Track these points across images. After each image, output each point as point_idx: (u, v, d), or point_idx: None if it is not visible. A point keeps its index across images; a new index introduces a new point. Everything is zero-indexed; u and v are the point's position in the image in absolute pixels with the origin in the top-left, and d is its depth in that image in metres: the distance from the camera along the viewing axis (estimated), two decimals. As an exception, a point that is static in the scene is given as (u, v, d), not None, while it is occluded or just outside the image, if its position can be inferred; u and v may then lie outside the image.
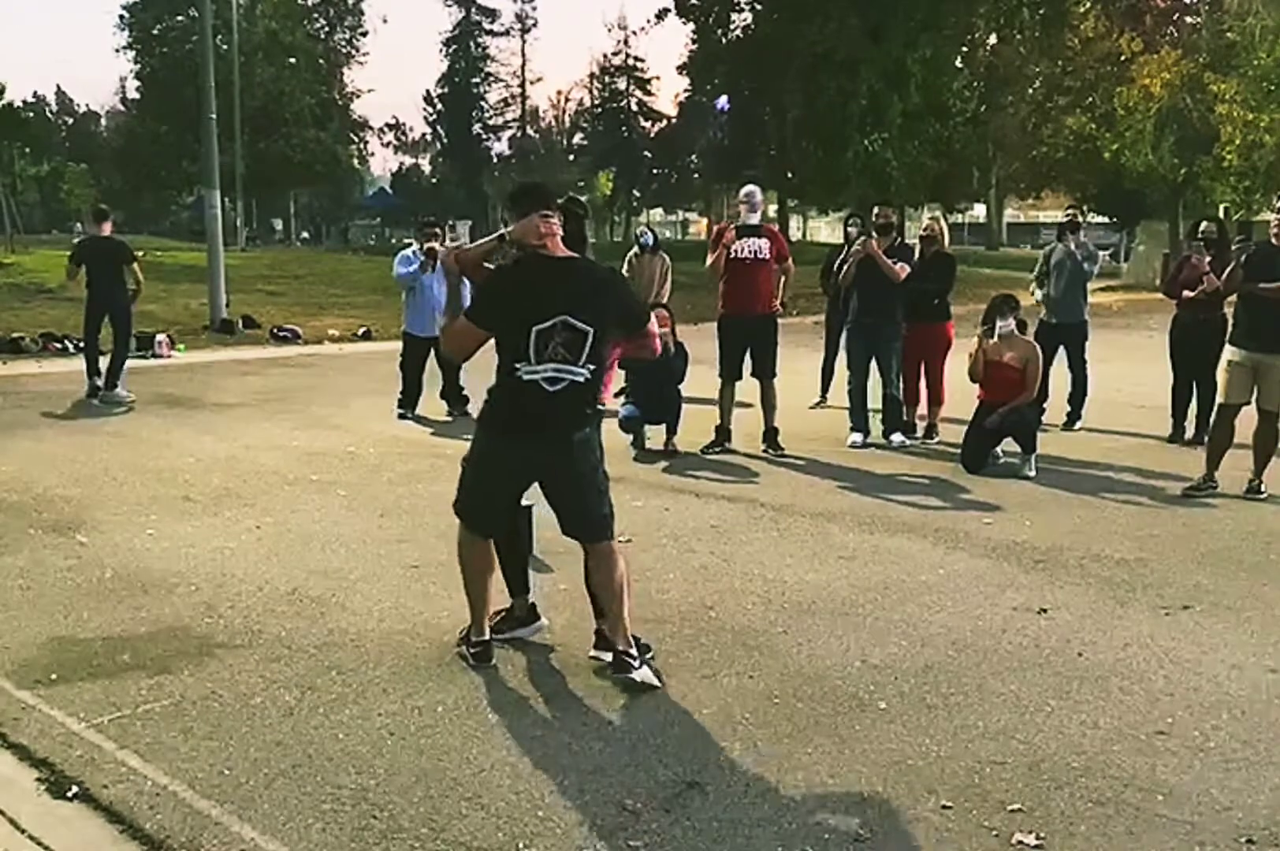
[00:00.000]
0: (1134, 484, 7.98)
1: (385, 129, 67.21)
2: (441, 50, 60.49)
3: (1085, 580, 5.71)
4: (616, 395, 9.36)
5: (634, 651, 4.32)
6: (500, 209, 55.30)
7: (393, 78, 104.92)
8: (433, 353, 10.70)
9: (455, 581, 4.67)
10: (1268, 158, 30.43)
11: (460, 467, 4.51)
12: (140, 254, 12.11)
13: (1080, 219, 10.91)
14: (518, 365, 4.17)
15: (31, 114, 51.63)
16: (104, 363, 11.64)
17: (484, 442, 4.43)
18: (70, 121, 77.75)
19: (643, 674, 4.29)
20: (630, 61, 58.72)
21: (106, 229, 11.91)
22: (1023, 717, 4.07)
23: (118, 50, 50.12)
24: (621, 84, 59.24)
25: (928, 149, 36.32)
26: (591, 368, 4.23)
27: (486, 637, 4.57)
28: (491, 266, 4.42)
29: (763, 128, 41.28)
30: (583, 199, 4.93)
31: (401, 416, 10.56)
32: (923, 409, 9.81)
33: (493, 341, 4.29)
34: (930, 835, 3.28)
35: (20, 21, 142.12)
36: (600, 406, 4.51)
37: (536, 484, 4.45)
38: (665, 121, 58.13)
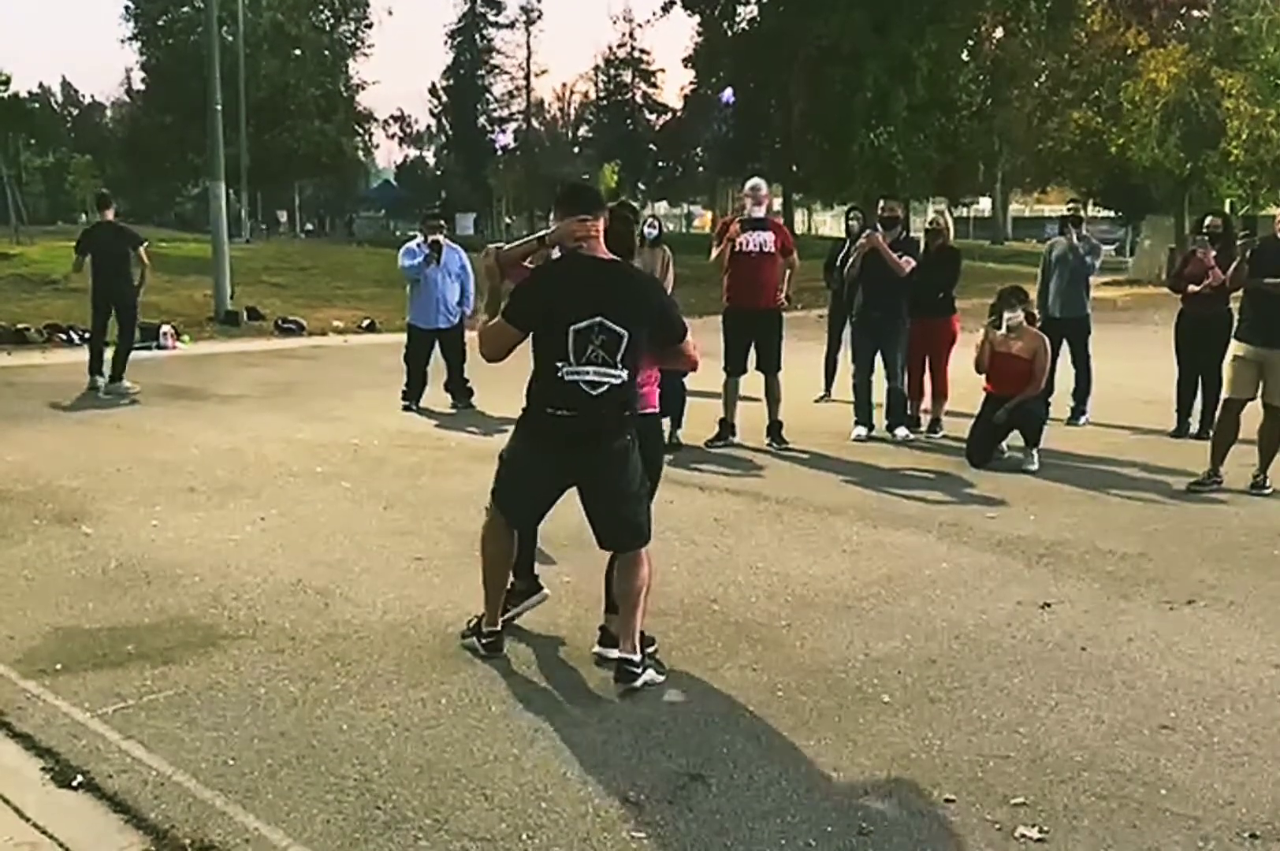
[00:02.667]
0: (1138, 479, 7.98)
1: (390, 121, 67.24)
2: (446, 42, 60.44)
3: (1089, 574, 5.70)
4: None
5: (637, 658, 4.26)
6: (504, 201, 55.33)
7: (398, 70, 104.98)
8: (438, 345, 10.71)
9: (459, 573, 4.68)
10: (1274, 152, 30.36)
11: (498, 459, 4.48)
12: (145, 245, 12.05)
13: (1082, 213, 10.89)
14: (559, 364, 4.13)
15: (37, 105, 51.58)
16: (108, 354, 11.65)
17: (520, 448, 4.38)
18: (75, 112, 77.66)
19: (646, 678, 4.26)
20: (635, 54, 58.66)
21: (109, 214, 11.84)
22: (1026, 711, 4.07)
23: (123, 41, 49.91)
24: (626, 77, 59.17)
25: (933, 143, 36.25)
26: (627, 371, 4.20)
27: (498, 628, 4.58)
28: (530, 266, 4.41)
29: (768, 121, 41.28)
30: (634, 204, 4.91)
31: (406, 408, 10.57)
32: (927, 403, 9.80)
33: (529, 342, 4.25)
34: (933, 828, 3.29)
35: (26, 12, 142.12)
36: (640, 411, 4.46)
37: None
38: (670, 114, 58.06)
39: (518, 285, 4.31)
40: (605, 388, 4.15)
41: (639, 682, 4.23)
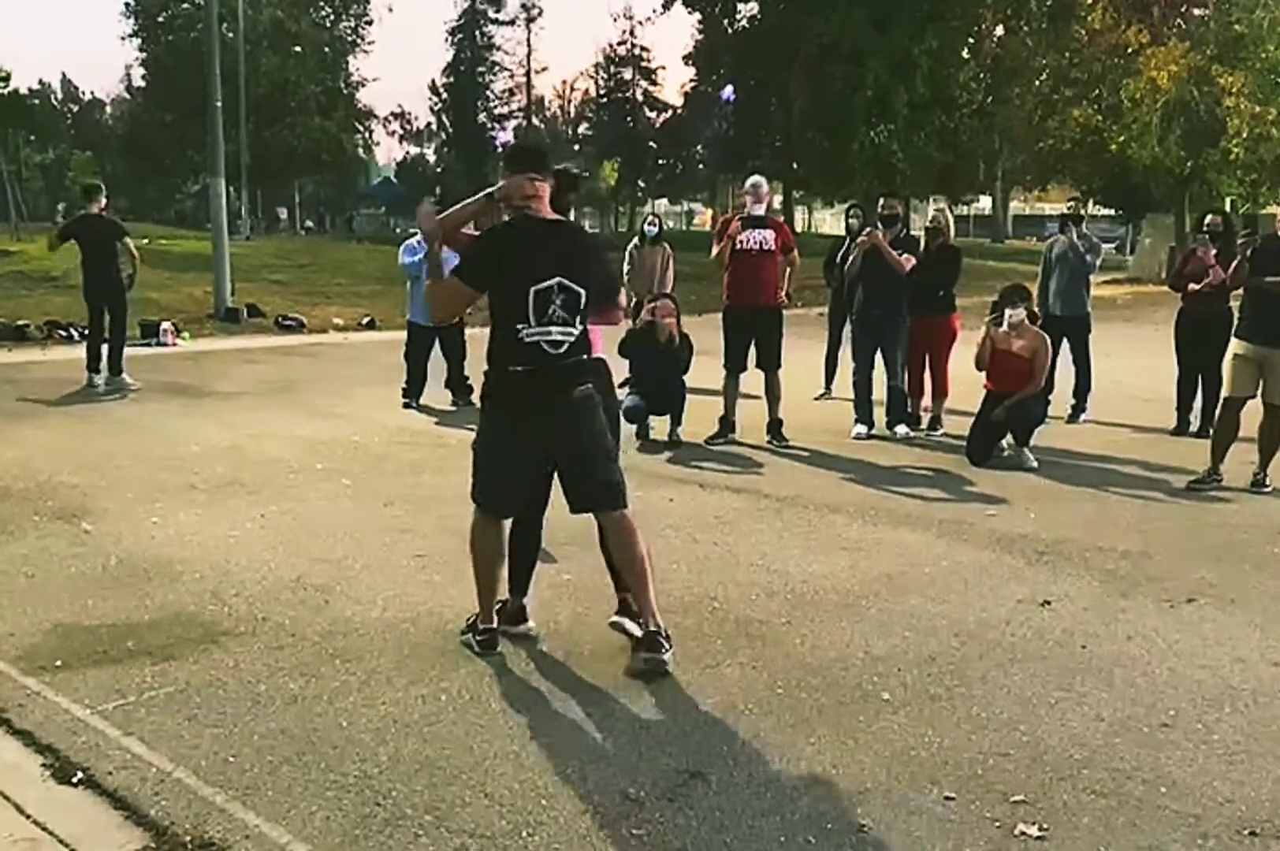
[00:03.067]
0: (1138, 477, 7.98)
1: (390, 118, 67.19)
2: (447, 39, 60.34)
3: (1089, 572, 5.70)
4: (621, 385, 9.35)
5: (666, 632, 4.33)
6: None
7: (398, 67, 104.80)
8: (438, 342, 10.71)
9: (459, 571, 4.68)
10: (1274, 150, 30.33)
11: (472, 452, 4.51)
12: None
13: (1082, 211, 10.90)
14: (520, 327, 4.19)
15: (37, 101, 51.46)
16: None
17: (490, 418, 4.44)
18: (75, 109, 77.53)
19: (669, 656, 4.31)
20: (636, 51, 58.54)
21: (95, 207, 11.69)
22: (1026, 709, 4.07)
23: (123, 38, 49.92)
24: (627, 74, 59.06)
25: (934, 141, 36.26)
26: (582, 328, 4.32)
27: (494, 625, 4.58)
28: (474, 231, 4.47)
29: (768, 119, 41.25)
30: (575, 171, 4.91)
31: (406, 405, 10.57)
32: (927, 401, 9.80)
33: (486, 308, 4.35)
34: (933, 826, 3.28)
35: (25, 8, 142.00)
36: (596, 357, 4.55)
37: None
38: (671, 112, 57.99)
39: (473, 246, 4.36)
40: (564, 346, 4.24)
41: (666, 656, 4.28)
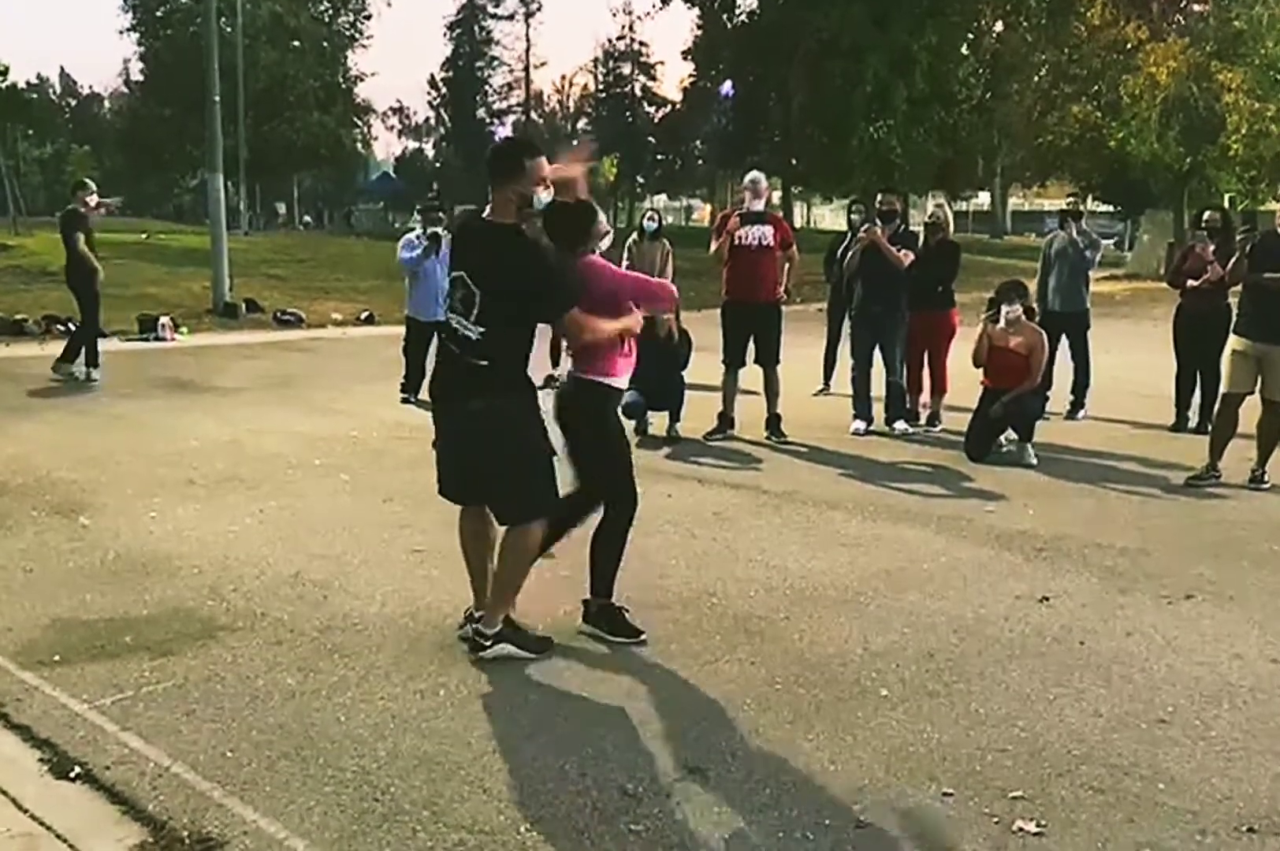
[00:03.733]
0: (1137, 473, 7.98)
1: (389, 113, 67.24)
2: (445, 34, 60.44)
3: (1088, 569, 5.71)
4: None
5: (487, 632, 4.39)
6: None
7: (397, 62, 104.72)
8: (437, 337, 10.70)
9: (458, 566, 4.69)
10: (1274, 147, 30.30)
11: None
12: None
13: (1081, 207, 10.89)
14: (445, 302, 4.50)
15: (34, 95, 51.39)
16: (103, 345, 11.69)
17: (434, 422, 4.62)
18: (74, 103, 77.46)
19: (495, 651, 4.38)
20: (635, 46, 58.51)
21: (80, 201, 11.73)
22: (1024, 705, 4.08)
23: (121, 32, 49.80)
24: (626, 69, 59.03)
25: (933, 136, 36.24)
26: (481, 329, 4.27)
27: (512, 614, 4.60)
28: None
29: (767, 114, 41.24)
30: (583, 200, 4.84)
31: (405, 401, 10.55)
32: (925, 396, 9.80)
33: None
34: (931, 822, 3.29)
35: (24, 3, 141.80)
36: (587, 376, 4.64)
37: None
38: (670, 107, 57.95)
39: None
40: (465, 338, 4.32)
41: (487, 655, 4.37)
